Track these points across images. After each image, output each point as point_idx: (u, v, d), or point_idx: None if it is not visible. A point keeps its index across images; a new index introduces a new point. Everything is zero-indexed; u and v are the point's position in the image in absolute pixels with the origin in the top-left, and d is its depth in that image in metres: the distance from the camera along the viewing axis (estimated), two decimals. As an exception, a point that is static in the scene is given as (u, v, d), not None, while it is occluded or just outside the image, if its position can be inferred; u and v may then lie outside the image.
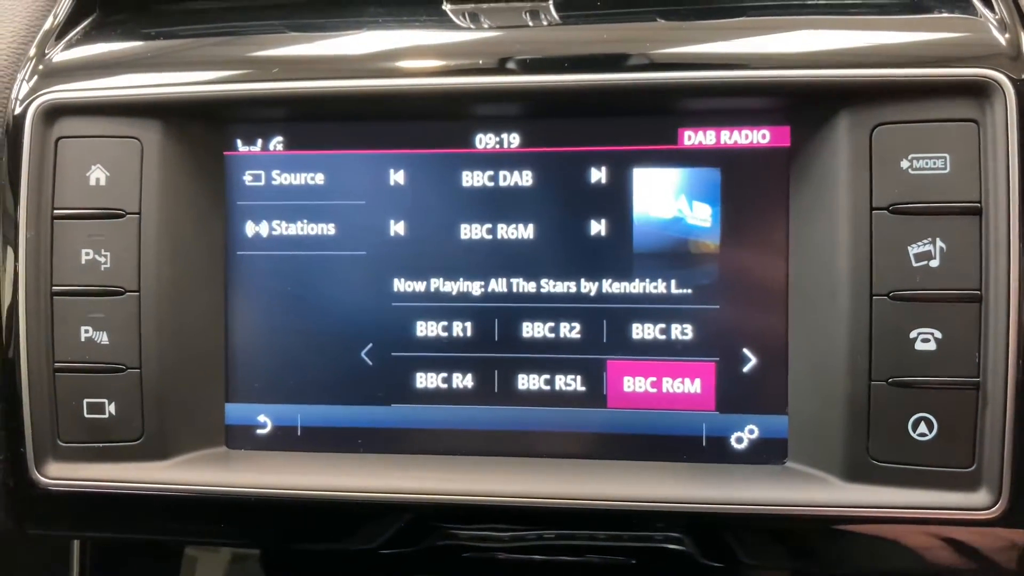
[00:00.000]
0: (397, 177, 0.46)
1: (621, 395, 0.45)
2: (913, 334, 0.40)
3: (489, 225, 0.45)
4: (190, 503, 0.44)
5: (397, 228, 0.46)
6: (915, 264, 0.40)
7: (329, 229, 0.46)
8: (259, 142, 0.47)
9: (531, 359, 0.45)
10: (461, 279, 0.45)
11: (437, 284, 0.46)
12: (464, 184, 0.45)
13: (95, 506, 0.45)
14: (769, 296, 0.44)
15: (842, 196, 0.41)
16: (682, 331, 0.44)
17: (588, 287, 0.45)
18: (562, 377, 0.45)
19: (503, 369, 0.46)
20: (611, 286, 0.45)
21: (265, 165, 0.47)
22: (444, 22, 0.46)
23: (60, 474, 0.45)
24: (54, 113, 0.45)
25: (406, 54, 0.44)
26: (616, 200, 0.45)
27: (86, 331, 0.45)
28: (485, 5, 0.46)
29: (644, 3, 0.47)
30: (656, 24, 0.45)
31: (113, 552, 0.53)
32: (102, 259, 0.45)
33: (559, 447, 0.45)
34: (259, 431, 0.47)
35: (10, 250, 0.45)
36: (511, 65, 0.43)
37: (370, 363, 0.46)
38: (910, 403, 0.40)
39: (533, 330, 0.45)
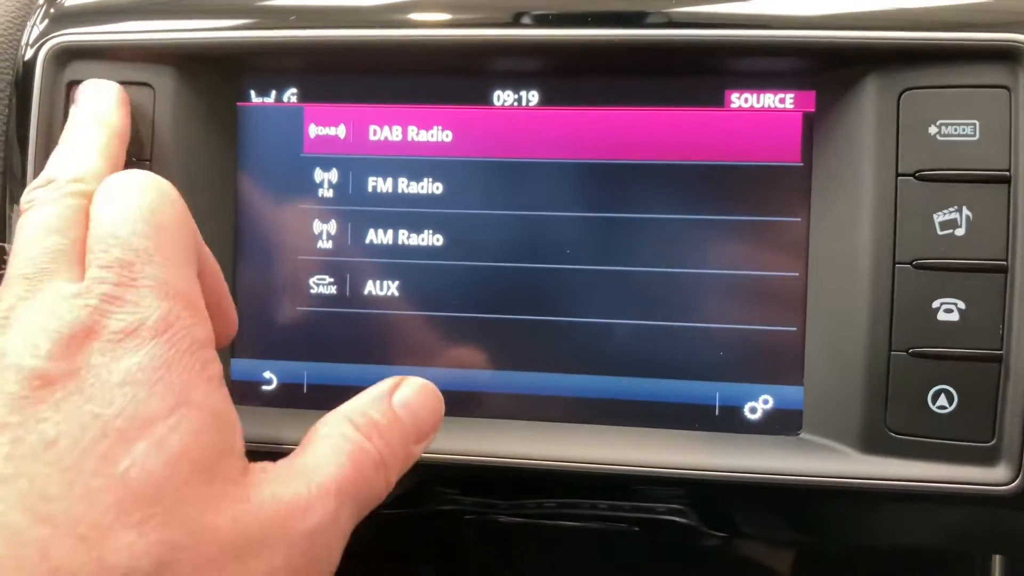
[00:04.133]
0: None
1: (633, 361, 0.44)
2: (936, 304, 0.39)
3: (505, 185, 0.45)
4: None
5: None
6: (940, 232, 0.39)
7: (341, 184, 0.46)
8: (273, 94, 0.46)
9: (543, 322, 0.44)
10: (474, 238, 0.45)
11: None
12: (480, 142, 0.45)
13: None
14: (788, 263, 0.43)
15: (867, 162, 0.40)
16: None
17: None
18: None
19: (514, 332, 0.45)
20: (627, 250, 0.44)
21: (279, 117, 0.46)
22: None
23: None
24: (65, 56, 0.44)
25: (425, 5, 0.43)
26: (635, 162, 0.44)
27: (92, 279, 0.44)
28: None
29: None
30: (681, -17, 0.44)
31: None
32: (110, 206, 0.44)
33: (568, 412, 0.45)
34: (265, 387, 0.46)
35: (16, 203, 0.45)
36: (529, 19, 0.42)
37: (379, 322, 0.45)
38: (930, 374, 0.39)
39: (547, 293, 0.44)
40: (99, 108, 0.42)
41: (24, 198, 0.36)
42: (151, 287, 0.31)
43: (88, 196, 0.35)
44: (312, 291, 0.46)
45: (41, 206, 0.34)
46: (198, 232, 0.36)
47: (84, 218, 0.34)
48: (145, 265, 0.32)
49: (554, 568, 0.49)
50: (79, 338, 0.30)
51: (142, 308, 0.31)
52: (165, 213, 0.34)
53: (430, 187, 0.45)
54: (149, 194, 0.34)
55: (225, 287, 0.39)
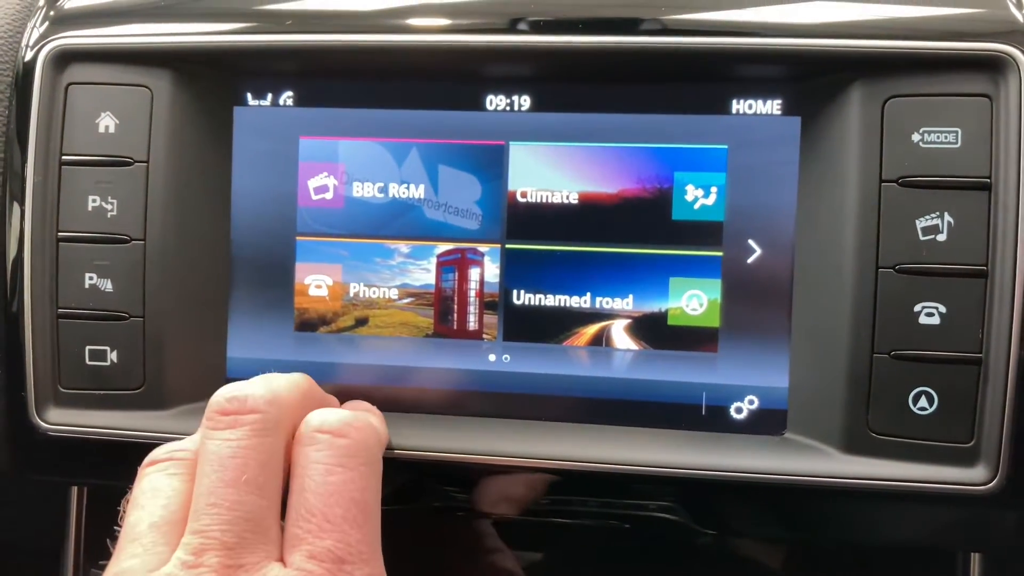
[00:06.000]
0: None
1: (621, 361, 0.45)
2: (917, 307, 0.40)
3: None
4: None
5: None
6: (922, 238, 0.40)
7: (336, 186, 0.46)
8: (269, 96, 0.47)
9: (532, 323, 0.45)
10: (467, 240, 0.46)
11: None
12: (473, 145, 0.45)
13: (94, 453, 0.45)
14: (774, 266, 0.44)
15: (852, 168, 0.41)
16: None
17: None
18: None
19: (505, 331, 0.46)
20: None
21: (274, 120, 0.46)
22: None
23: (60, 420, 0.45)
24: (65, 59, 0.45)
25: (419, 11, 0.44)
26: (624, 166, 0.45)
27: (90, 278, 0.45)
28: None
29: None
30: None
31: (111, 500, 0.53)
32: (109, 206, 0.45)
33: (557, 411, 0.45)
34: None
35: (16, 200, 0.45)
36: (523, 25, 0.43)
37: (373, 321, 0.46)
38: (912, 377, 0.40)
39: (535, 297, 0.45)
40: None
41: (213, 406, 0.34)
42: None
43: (289, 432, 0.34)
44: (309, 293, 0.47)
45: (236, 439, 0.33)
46: None
47: (284, 468, 0.34)
48: (356, 565, 0.32)
49: (546, 565, 0.50)
50: None
51: None
52: (374, 487, 0.34)
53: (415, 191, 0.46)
54: (364, 455, 0.34)
55: None
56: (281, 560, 0.32)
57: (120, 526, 0.34)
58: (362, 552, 0.32)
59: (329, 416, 0.35)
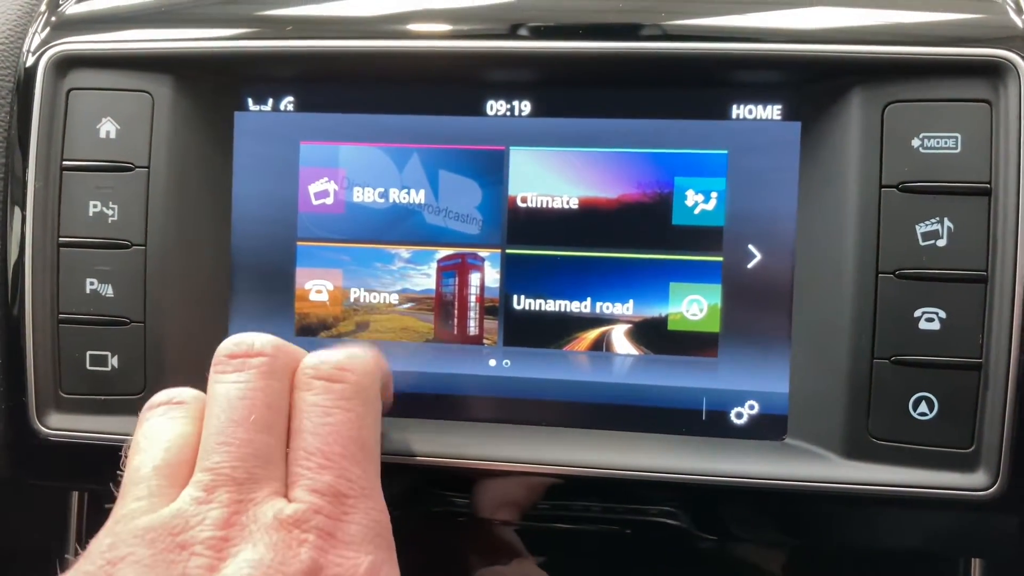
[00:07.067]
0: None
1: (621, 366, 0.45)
2: (917, 313, 0.40)
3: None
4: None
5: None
6: (922, 243, 0.40)
7: (337, 191, 0.46)
8: (270, 102, 0.47)
9: (532, 328, 0.45)
10: (467, 245, 0.46)
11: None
12: (473, 150, 0.45)
13: (95, 458, 0.45)
14: (774, 271, 0.44)
15: (852, 173, 0.41)
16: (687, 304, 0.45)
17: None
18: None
19: (505, 336, 0.46)
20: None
21: (275, 125, 0.47)
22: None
23: (61, 425, 0.45)
24: (66, 64, 0.45)
25: (420, 17, 0.44)
26: (625, 171, 0.45)
27: (91, 283, 0.45)
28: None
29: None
30: (671, -4, 0.45)
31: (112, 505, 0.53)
32: (110, 212, 0.45)
33: (557, 416, 0.45)
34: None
35: (18, 205, 0.45)
36: (524, 31, 0.43)
37: (373, 326, 0.46)
38: (912, 382, 0.40)
39: (535, 302, 0.45)
40: None
41: (221, 352, 0.35)
42: (361, 528, 0.32)
43: (288, 376, 0.35)
44: (310, 298, 0.47)
45: (244, 381, 0.34)
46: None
47: (287, 406, 0.34)
48: (358, 500, 0.32)
49: (546, 570, 0.50)
50: None
51: (351, 555, 0.31)
52: (372, 424, 0.35)
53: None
54: (361, 396, 0.35)
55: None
56: (285, 496, 0.33)
57: (122, 471, 0.34)
58: (363, 487, 0.33)
59: (327, 359, 0.36)
